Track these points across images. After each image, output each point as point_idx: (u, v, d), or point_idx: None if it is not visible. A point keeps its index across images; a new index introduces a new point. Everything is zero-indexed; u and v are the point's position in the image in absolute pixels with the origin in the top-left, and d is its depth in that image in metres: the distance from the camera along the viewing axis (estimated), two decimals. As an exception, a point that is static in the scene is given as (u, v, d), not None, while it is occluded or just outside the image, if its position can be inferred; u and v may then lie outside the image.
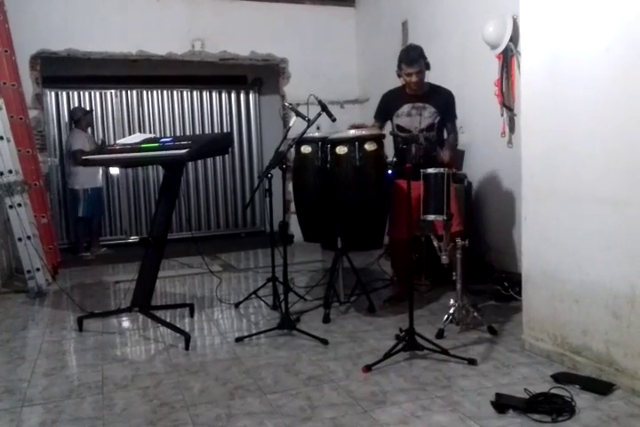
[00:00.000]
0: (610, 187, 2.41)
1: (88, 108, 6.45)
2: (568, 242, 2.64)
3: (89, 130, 6.27)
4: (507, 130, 4.20)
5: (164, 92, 7.23)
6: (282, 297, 3.38)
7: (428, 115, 3.63)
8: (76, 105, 6.64)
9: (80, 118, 6.01)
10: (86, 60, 5.93)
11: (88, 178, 5.98)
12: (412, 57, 3.52)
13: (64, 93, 6.79)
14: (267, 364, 2.84)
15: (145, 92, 7.16)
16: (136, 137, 3.87)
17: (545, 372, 2.59)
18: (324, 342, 3.08)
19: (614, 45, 2.36)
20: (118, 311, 3.55)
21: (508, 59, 4.09)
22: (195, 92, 7.35)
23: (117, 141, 3.87)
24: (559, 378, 2.49)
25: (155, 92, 7.19)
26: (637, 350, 2.32)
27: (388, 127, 3.80)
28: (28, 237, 4.33)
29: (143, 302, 3.39)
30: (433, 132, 3.63)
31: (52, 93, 6.71)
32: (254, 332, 3.31)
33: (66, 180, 6.71)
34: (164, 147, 3.42)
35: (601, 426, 2.11)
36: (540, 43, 2.75)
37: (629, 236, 2.33)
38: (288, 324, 3.23)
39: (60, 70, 6.30)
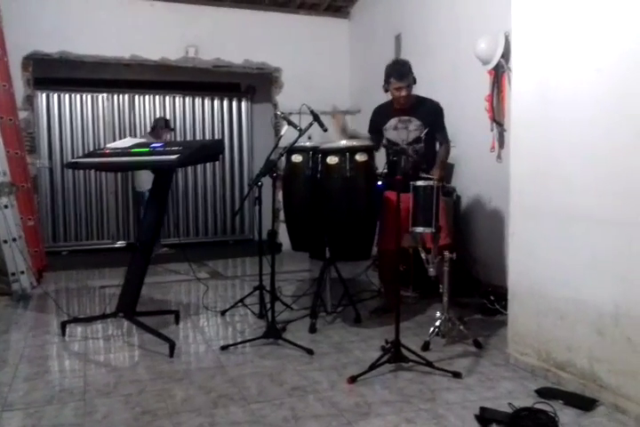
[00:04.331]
0: (597, 206, 2.44)
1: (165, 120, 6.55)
2: (554, 259, 2.66)
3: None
4: (496, 145, 4.25)
5: (156, 97, 7.22)
6: (268, 306, 3.37)
7: (413, 128, 3.64)
8: (164, 116, 6.85)
9: (156, 127, 6.24)
10: (79, 63, 5.92)
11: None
12: (403, 71, 3.55)
13: (55, 95, 6.76)
14: (251, 373, 2.82)
15: (137, 97, 7.15)
16: (126, 141, 3.85)
17: (529, 386, 2.60)
18: (310, 352, 3.07)
19: (605, 66, 2.40)
20: (103, 317, 3.50)
21: (499, 74, 4.15)
22: (187, 99, 7.36)
23: (107, 145, 3.85)
24: (543, 393, 2.50)
25: (147, 97, 7.18)
26: (621, 366, 2.34)
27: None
28: (14, 240, 4.28)
29: (128, 308, 3.36)
30: (421, 144, 3.65)
31: (43, 95, 6.68)
32: (240, 340, 3.29)
33: (54, 182, 6.72)
34: (154, 152, 3.40)
35: (583, 442, 2.13)
36: (531, 62, 2.79)
37: (615, 255, 2.36)
38: (274, 333, 3.21)
39: (52, 72, 6.28)
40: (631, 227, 2.28)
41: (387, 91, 3.66)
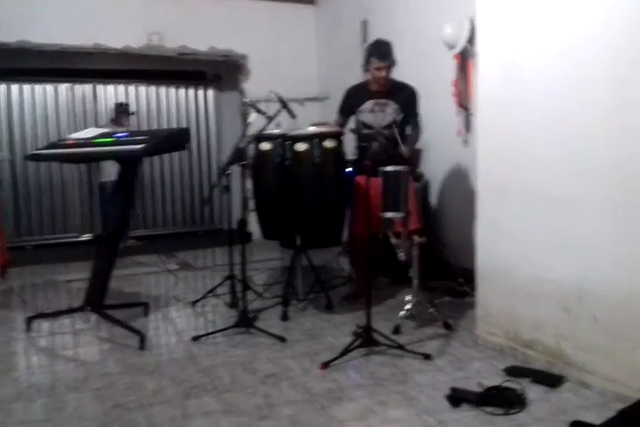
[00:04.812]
0: (561, 186, 2.48)
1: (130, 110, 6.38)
2: (521, 239, 2.70)
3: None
4: (463, 129, 4.27)
5: (119, 86, 7.06)
6: (240, 295, 3.35)
7: (390, 111, 3.65)
8: (123, 101, 6.56)
9: (117, 114, 6.10)
10: (39, 53, 5.73)
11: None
12: (385, 51, 3.54)
13: (15, 87, 6.55)
14: (224, 362, 2.81)
15: (100, 87, 6.97)
16: (90, 131, 3.76)
17: (498, 366, 2.65)
18: (282, 339, 3.07)
19: (569, 48, 2.42)
20: (70, 311, 3.43)
21: (465, 59, 4.16)
22: (151, 88, 7.21)
23: (70, 136, 3.75)
24: (511, 372, 2.55)
25: (109, 86, 7.02)
26: (586, 343, 2.40)
27: (350, 123, 3.81)
28: (-25, 235, 4.16)
29: (96, 301, 3.30)
30: (394, 128, 3.65)
31: (3, 86, 6.47)
32: (211, 330, 3.27)
33: (16, 175, 6.55)
34: (118, 142, 3.33)
35: (551, 418, 2.18)
36: (496, 45, 2.81)
37: (578, 232, 2.41)
38: (246, 322, 3.20)
39: (12, 63, 6.08)
40: (597, 206, 2.33)
41: (367, 71, 3.63)
